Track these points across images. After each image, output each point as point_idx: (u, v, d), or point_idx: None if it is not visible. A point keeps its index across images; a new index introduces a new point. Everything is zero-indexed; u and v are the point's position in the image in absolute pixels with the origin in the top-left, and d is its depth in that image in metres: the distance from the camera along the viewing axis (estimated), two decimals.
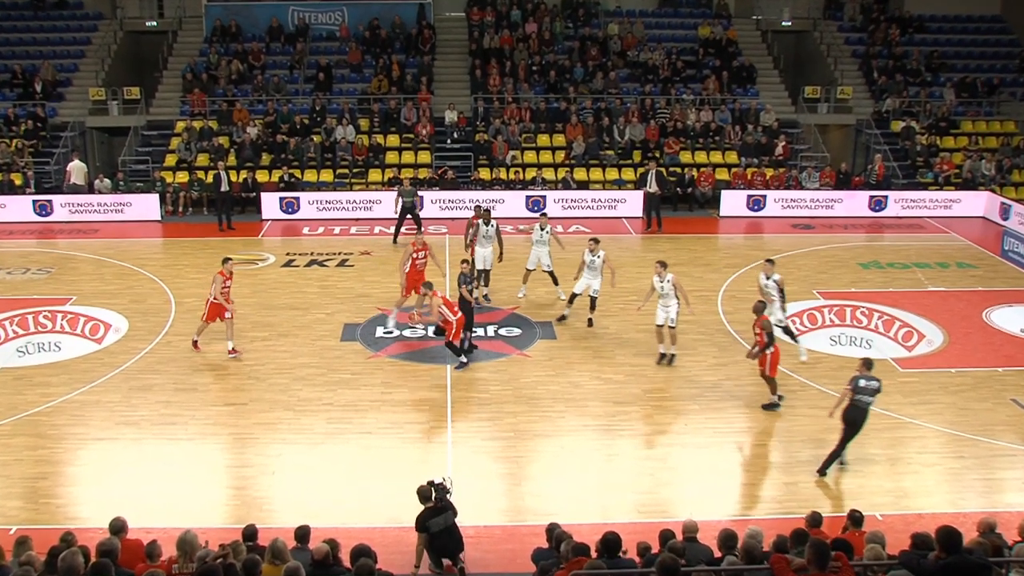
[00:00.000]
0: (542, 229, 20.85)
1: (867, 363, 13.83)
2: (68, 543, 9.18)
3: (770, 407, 15.93)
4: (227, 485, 13.69)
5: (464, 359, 17.52)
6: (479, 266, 20.61)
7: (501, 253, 21.03)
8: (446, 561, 11.37)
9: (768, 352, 15.56)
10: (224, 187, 27.29)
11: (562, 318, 19.83)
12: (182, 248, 25.84)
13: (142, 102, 32.93)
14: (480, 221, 20.79)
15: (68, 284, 22.23)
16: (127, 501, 12.59)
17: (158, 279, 22.59)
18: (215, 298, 17.68)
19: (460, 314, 17.15)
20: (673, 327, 17.69)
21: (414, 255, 19.25)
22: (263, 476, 13.83)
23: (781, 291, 17.75)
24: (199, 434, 15.06)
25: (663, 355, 17.88)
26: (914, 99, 34.31)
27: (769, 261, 18.16)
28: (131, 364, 17.65)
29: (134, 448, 14.54)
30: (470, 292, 18.02)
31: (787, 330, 18.03)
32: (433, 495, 11.16)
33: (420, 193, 26.28)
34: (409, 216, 25.80)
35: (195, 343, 18.19)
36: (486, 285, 21.01)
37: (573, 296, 19.72)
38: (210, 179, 28.67)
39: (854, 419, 13.56)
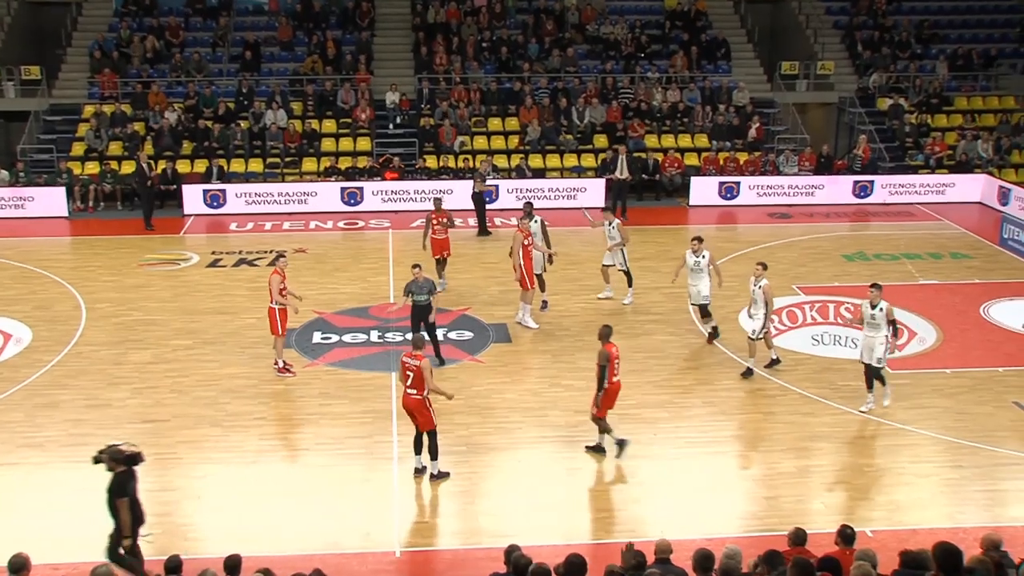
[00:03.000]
0: (608, 224, 20.61)
1: None
2: None
3: (596, 449, 14.74)
4: (147, 512, 13.49)
5: None
6: (538, 271, 20.05)
7: (551, 254, 20.58)
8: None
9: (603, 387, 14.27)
10: (148, 179, 27.08)
11: (715, 331, 19.02)
12: (93, 247, 25.52)
13: (43, 83, 32.41)
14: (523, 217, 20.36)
15: None
16: (31, 534, 12.42)
17: (66, 283, 22.26)
18: (279, 304, 17.33)
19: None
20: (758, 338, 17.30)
21: (525, 242, 19.24)
22: (187, 500, 13.70)
23: None
24: None
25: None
26: (902, 74, 34.69)
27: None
28: (35, 379, 17.38)
29: (39, 473, 14.32)
30: (421, 300, 17.39)
31: None
32: (124, 457, 11.55)
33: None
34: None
35: (284, 367, 17.62)
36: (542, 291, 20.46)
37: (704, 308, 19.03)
38: (128, 169, 28.38)
39: None
